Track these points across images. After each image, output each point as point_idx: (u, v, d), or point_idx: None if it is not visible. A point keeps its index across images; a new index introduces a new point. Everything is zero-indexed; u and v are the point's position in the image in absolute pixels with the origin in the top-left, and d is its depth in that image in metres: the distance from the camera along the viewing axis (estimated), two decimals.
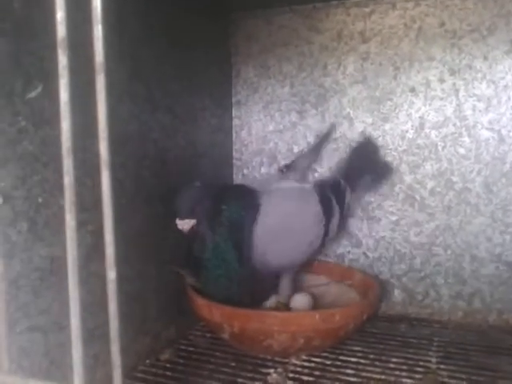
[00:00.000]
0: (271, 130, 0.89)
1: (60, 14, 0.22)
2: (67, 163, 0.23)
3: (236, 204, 0.64)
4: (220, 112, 0.86)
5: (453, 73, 0.77)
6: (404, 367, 0.62)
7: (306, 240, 0.70)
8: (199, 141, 0.79)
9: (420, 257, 0.81)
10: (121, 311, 0.26)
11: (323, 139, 0.85)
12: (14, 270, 0.44)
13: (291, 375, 0.60)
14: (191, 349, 0.68)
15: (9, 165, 0.44)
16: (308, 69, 0.86)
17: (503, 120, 0.76)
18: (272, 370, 0.61)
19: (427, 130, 0.80)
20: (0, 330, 0.31)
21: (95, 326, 0.50)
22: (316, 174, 0.86)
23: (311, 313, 0.66)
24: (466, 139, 0.78)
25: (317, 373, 0.61)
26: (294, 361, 0.64)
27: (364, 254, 0.85)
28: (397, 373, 0.60)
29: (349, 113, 0.84)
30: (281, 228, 0.66)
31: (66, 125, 0.23)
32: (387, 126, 0.82)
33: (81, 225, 0.48)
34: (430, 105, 0.79)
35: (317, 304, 0.72)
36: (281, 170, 0.79)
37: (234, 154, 0.92)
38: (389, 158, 0.82)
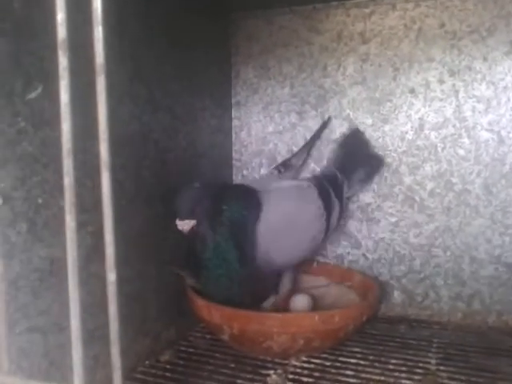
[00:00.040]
0: (271, 131, 0.89)
1: (60, 16, 0.22)
2: (67, 164, 0.23)
3: (237, 204, 0.64)
4: (220, 112, 0.86)
5: (452, 74, 0.78)
6: (403, 368, 0.62)
7: (309, 235, 0.70)
8: (199, 141, 0.79)
9: (419, 258, 0.81)
10: (121, 313, 0.26)
11: (317, 133, 0.85)
12: (13, 270, 0.44)
13: (291, 376, 0.60)
14: (191, 350, 0.68)
15: (8, 166, 0.44)
16: (308, 70, 0.86)
17: (503, 121, 0.76)
18: (272, 372, 0.61)
19: (427, 131, 0.80)
20: (0, 330, 0.31)
21: (95, 327, 0.50)
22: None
23: (311, 314, 0.66)
24: (466, 140, 0.78)
25: (316, 374, 0.61)
26: (293, 362, 0.64)
27: (363, 255, 0.85)
28: (396, 374, 0.60)
29: (348, 114, 0.84)
30: (283, 225, 0.67)
31: (66, 126, 0.23)
32: (387, 127, 0.82)
33: (81, 226, 0.48)
34: (429, 106, 0.79)
35: (316, 305, 0.72)
36: (278, 170, 0.80)
37: (233, 154, 0.92)
38: (388, 159, 0.82)
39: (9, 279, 0.43)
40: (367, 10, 0.81)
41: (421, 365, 0.63)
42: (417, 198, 0.81)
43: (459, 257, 0.79)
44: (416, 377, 0.60)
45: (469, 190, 0.78)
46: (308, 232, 0.70)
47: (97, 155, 0.24)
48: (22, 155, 0.45)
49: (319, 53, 0.85)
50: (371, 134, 0.83)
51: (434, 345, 0.69)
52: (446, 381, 0.59)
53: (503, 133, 0.76)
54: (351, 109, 0.84)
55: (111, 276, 0.25)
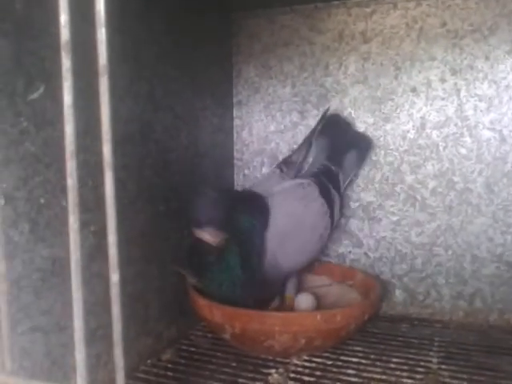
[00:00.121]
0: (272, 130, 0.89)
1: (64, 17, 0.22)
2: (70, 166, 0.23)
3: (249, 213, 0.64)
4: (221, 112, 0.86)
5: (454, 73, 0.77)
6: (405, 367, 0.62)
7: (316, 234, 0.71)
8: (201, 141, 0.79)
9: (421, 257, 0.81)
10: (124, 313, 0.26)
11: (316, 127, 0.84)
12: (15, 270, 0.44)
13: (292, 375, 0.60)
14: (192, 349, 0.68)
15: (11, 166, 0.44)
16: (309, 69, 0.86)
17: (504, 120, 0.76)
18: (273, 371, 0.61)
19: (428, 130, 0.80)
20: (2, 330, 0.31)
21: (97, 326, 0.51)
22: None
23: (313, 313, 0.66)
24: (468, 139, 0.78)
25: (318, 373, 0.61)
26: (295, 361, 0.64)
27: (365, 254, 0.85)
28: (398, 373, 0.60)
29: (350, 113, 0.84)
30: (290, 228, 0.67)
31: (69, 128, 0.23)
32: (388, 126, 0.82)
33: (83, 226, 0.49)
34: (431, 105, 0.79)
35: (319, 304, 0.72)
36: (280, 169, 0.79)
37: (234, 154, 0.92)
38: (390, 158, 0.82)
39: (11, 279, 0.43)
40: (368, 10, 0.81)
41: (422, 363, 0.63)
42: (418, 197, 0.81)
43: (461, 255, 0.79)
44: (417, 375, 0.60)
45: (470, 188, 0.78)
46: (315, 232, 0.71)
47: (99, 155, 0.24)
48: (25, 155, 0.45)
49: (321, 52, 0.85)
50: (373, 133, 0.83)
51: (436, 343, 0.69)
52: (447, 379, 0.59)
53: (505, 131, 0.76)
54: (353, 108, 0.84)
55: (114, 277, 0.25)
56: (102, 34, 0.22)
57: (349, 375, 0.60)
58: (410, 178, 0.81)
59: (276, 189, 0.71)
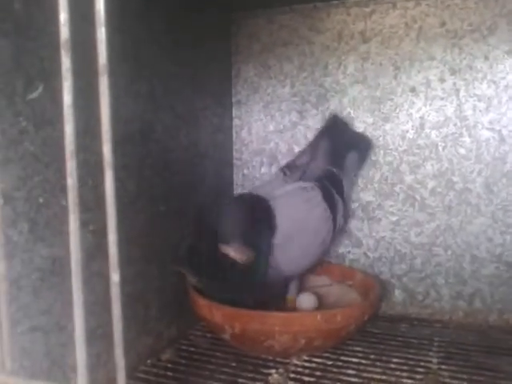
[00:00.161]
0: (271, 130, 0.89)
1: (63, 16, 0.22)
2: (70, 165, 0.23)
3: (264, 228, 0.63)
4: (220, 111, 0.86)
5: (453, 73, 0.78)
6: (405, 367, 0.62)
7: (319, 239, 0.70)
8: (200, 140, 0.79)
9: (420, 257, 0.81)
10: (124, 313, 0.26)
11: (322, 132, 0.83)
12: (15, 270, 0.44)
13: (292, 376, 0.60)
14: (192, 349, 0.68)
15: (10, 165, 0.44)
16: (308, 68, 0.86)
17: (504, 120, 0.76)
18: (273, 371, 0.61)
19: (428, 130, 0.80)
20: (2, 330, 0.31)
21: (97, 326, 0.51)
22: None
23: (313, 313, 0.66)
24: (467, 139, 0.78)
25: (318, 373, 0.61)
26: (295, 361, 0.64)
27: (364, 254, 0.85)
28: (397, 373, 0.60)
29: (349, 113, 0.84)
30: (293, 232, 0.66)
31: (69, 128, 0.23)
32: (387, 126, 0.82)
33: (83, 225, 0.48)
34: (430, 105, 0.79)
35: (319, 304, 0.72)
36: (284, 172, 0.79)
37: (234, 153, 0.92)
38: (389, 158, 0.82)
39: (10, 279, 0.43)
40: (368, 9, 0.81)
41: (422, 364, 0.63)
42: (418, 197, 0.81)
43: (460, 256, 0.79)
44: (417, 376, 0.60)
45: (470, 188, 0.78)
46: (318, 235, 0.70)
47: (99, 155, 0.24)
48: (24, 155, 0.45)
49: (320, 52, 0.85)
50: (372, 133, 0.83)
51: (435, 343, 0.69)
52: (447, 379, 0.59)
53: (504, 132, 0.76)
54: (352, 107, 0.84)
55: (115, 277, 0.25)
56: (101, 33, 0.22)
57: (349, 375, 0.60)
58: (409, 178, 0.81)
59: (279, 192, 0.70)
